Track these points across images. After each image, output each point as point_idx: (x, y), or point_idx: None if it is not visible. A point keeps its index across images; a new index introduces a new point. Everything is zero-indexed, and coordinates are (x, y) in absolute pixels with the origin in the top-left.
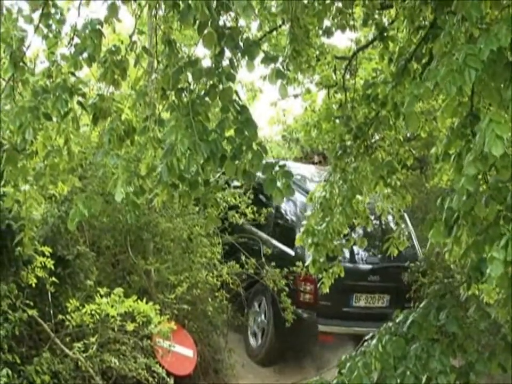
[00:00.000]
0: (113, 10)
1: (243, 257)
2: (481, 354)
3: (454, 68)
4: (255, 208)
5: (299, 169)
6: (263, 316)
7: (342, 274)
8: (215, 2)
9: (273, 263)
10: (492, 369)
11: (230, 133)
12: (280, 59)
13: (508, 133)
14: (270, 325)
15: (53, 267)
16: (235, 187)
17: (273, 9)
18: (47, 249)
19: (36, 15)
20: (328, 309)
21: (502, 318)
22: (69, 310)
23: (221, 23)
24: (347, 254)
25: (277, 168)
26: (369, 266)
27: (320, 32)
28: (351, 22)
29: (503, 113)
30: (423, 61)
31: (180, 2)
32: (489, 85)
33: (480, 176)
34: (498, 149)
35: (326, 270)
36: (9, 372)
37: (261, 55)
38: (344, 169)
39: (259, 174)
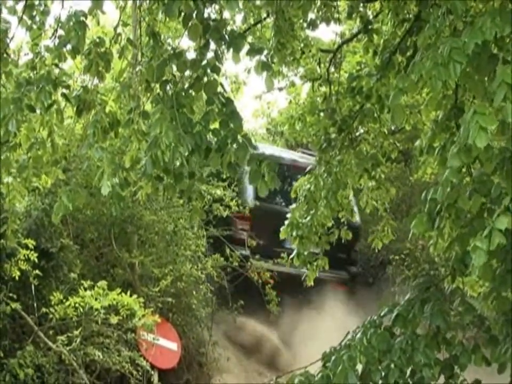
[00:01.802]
0: (97, 2)
1: (228, 250)
2: (465, 347)
3: (439, 62)
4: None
5: (283, 154)
6: None
7: (326, 267)
8: None
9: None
10: (476, 362)
11: (215, 125)
12: (265, 51)
13: (492, 124)
14: None
15: (36, 260)
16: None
17: (258, 2)
18: (30, 242)
19: (20, 6)
20: (261, 248)
21: (486, 311)
22: (53, 303)
23: (205, 15)
24: (282, 199)
25: (262, 161)
26: None
27: (305, 24)
28: (336, 15)
29: (487, 105)
30: (408, 53)
31: None
32: (474, 77)
33: (464, 169)
34: (482, 141)
35: (311, 263)
36: None
37: (246, 47)
38: (329, 162)
39: None
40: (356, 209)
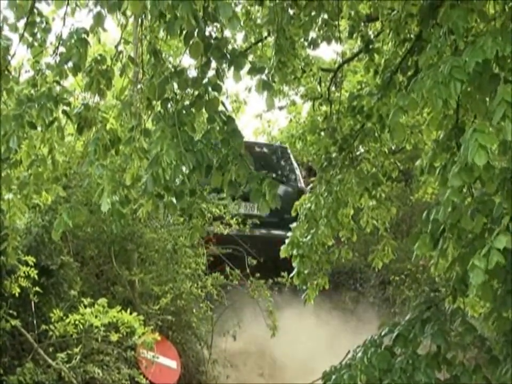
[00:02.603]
0: (99, 19)
1: (228, 268)
2: (466, 368)
3: (439, 80)
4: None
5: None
6: None
7: (326, 287)
8: (201, 12)
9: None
10: (477, 382)
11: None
12: (266, 70)
13: (492, 143)
14: None
15: (36, 277)
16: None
17: (259, 21)
18: (30, 259)
19: (21, 24)
20: None
21: (487, 331)
22: (53, 320)
23: (206, 33)
24: None
25: (263, 179)
26: None
27: (306, 43)
28: (337, 34)
29: (488, 124)
30: (409, 73)
31: (166, 13)
32: (475, 96)
33: (465, 189)
34: (481, 159)
35: (307, 282)
36: None
37: (247, 66)
38: (329, 181)
39: None
40: (300, 176)
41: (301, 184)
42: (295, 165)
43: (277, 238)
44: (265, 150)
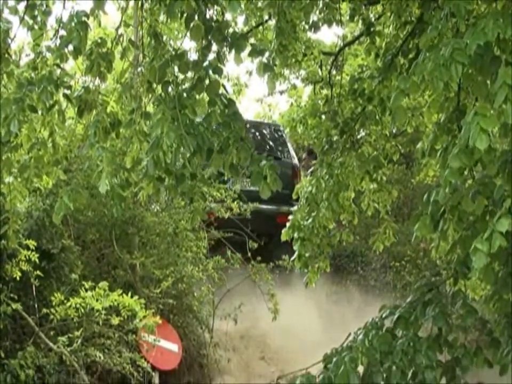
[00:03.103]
0: (99, 2)
1: (229, 252)
2: (467, 350)
3: (441, 63)
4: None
5: None
6: None
7: (328, 270)
8: None
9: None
10: (478, 364)
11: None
12: (267, 53)
13: (493, 126)
14: None
15: (37, 261)
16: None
17: (260, 4)
18: (31, 243)
19: (21, 6)
20: None
21: (488, 313)
22: (54, 303)
23: (207, 16)
24: None
25: (264, 162)
26: None
27: (307, 26)
28: (338, 17)
29: (489, 107)
30: (410, 56)
31: None
32: (476, 79)
33: (466, 172)
34: (483, 143)
35: (308, 265)
36: None
37: (248, 48)
38: (331, 164)
39: None
40: (292, 153)
41: (295, 160)
42: (288, 142)
43: (272, 212)
44: (258, 127)
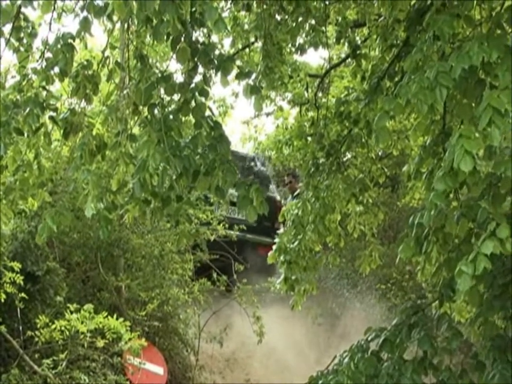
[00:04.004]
0: (85, 25)
1: (214, 274)
2: (452, 373)
3: (425, 85)
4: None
5: None
6: None
7: (314, 292)
8: (188, 17)
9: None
10: None
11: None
12: (254, 75)
13: (478, 149)
14: None
15: (22, 283)
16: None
17: (246, 26)
18: (16, 265)
19: (7, 28)
20: None
21: (473, 336)
22: (38, 326)
23: (193, 38)
24: None
25: (250, 185)
26: None
27: (293, 49)
28: (324, 40)
29: (474, 129)
30: (396, 79)
31: (153, 17)
32: (461, 102)
33: (452, 195)
34: (467, 165)
35: (294, 287)
36: None
37: (235, 71)
38: (317, 187)
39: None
40: (273, 187)
41: (274, 193)
42: (269, 174)
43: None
44: (239, 158)
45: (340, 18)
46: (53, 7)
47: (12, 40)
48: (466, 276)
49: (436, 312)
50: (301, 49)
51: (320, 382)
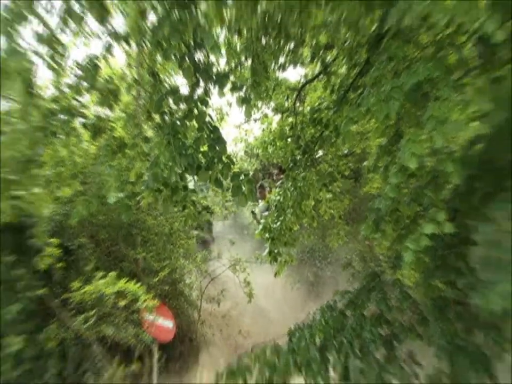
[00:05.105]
0: (109, 48)
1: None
2: (403, 327)
3: (382, 98)
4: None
5: None
6: None
7: (293, 263)
8: (191, 41)
9: None
10: (411, 338)
11: (204, 148)
12: (244, 88)
13: (422, 151)
14: None
15: (60, 255)
16: None
17: (238, 48)
18: (54, 241)
19: (45, 50)
20: None
21: (419, 297)
22: (72, 289)
23: (196, 59)
24: None
25: (242, 177)
26: None
27: (276, 67)
28: (301, 60)
29: (421, 133)
30: (359, 91)
31: (163, 42)
32: (411, 111)
33: (403, 184)
34: (413, 163)
35: (277, 259)
36: (25, 339)
37: (229, 85)
38: (295, 178)
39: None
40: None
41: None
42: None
43: None
44: None
45: (313, 42)
46: (82, 34)
47: (49, 60)
48: (410, 251)
49: (390, 278)
50: (282, 67)
51: (297, 333)
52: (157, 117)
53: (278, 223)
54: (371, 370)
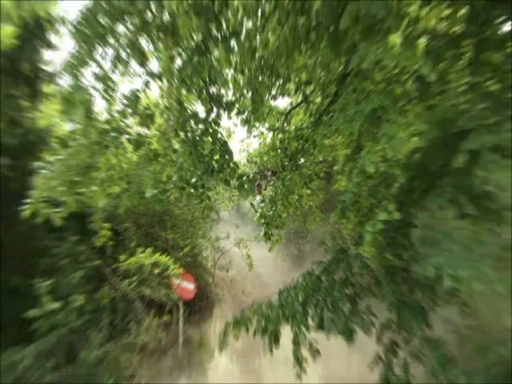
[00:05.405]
0: (146, 84)
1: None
2: (363, 288)
3: (347, 119)
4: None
5: None
6: None
7: (282, 241)
8: (207, 79)
9: None
10: (369, 296)
11: (217, 157)
12: (246, 113)
13: (377, 160)
14: None
15: (110, 235)
16: None
17: (241, 84)
18: (107, 225)
19: (99, 86)
20: None
21: (375, 266)
22: (120, 261)
23: (211, 91)
24: None
25: (244, 178)
26: None
27: (270, 97)
28: (288, 92)
29: (376, 145)
30: (330, 115)
31: (186, 79)
32: (369, 129)
33: (362, 183)
34: (371, 168)
35: (271, 238)
36: (85, 297)
37: (235, 110)
38: (283, 179)
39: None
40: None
41: None
42: None
43: None
44: None
45: (297, 79)
46: (127, 74)
47: (103, 93)
48: (369, 232)
49: (353, 252)
50: (274, 97)
51: (285, 293)
52: (182, 134)
53: (271, 212)
54: (340, 320)
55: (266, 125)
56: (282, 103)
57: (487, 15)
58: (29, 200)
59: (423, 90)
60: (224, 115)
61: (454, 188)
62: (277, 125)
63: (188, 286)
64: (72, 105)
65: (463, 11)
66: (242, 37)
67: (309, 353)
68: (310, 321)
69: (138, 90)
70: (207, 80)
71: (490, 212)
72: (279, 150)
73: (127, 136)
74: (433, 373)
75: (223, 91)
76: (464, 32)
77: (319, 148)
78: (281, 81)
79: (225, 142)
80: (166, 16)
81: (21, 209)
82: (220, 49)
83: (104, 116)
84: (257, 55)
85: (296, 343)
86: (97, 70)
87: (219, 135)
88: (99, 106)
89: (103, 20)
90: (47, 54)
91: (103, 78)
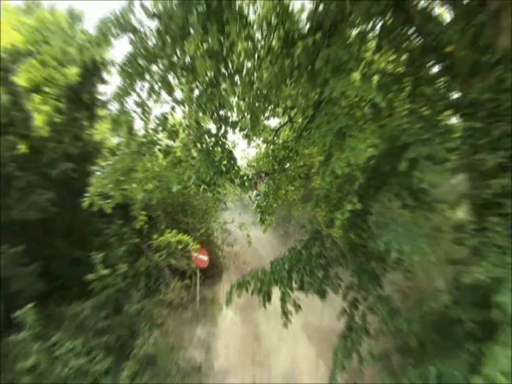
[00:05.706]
0: (173, 108)
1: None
2: (332, 259)
3: (321, 134)
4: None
5: None
6: None
7: (273, 224)
8: (217, 104)
9: None
10: (337, 266)
11: (224, 162)
12: (246, 129)
13: (343, 165)
14: None
15: (146, 220)
16: None
17: (243, 108)
18: (143, 213)
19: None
20: None
21: (342, 243)
22: (153, 239)
23: (220, 114)
24: None
25: (245, 178)
26: None
27: (264, 118)
28: (277, 114)
29: (343, 154)
30: (309, 131)
31: (202, 105)
32: (337, 141)
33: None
34: (339, 170)
35: (265, 222)
36: (128, 266)
37: (238, 127)
38: (274, 179)
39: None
40: None
41: None
42: None
43: None
44: None
45: (284, 105)
46: (158, 101)
47: (141, 115)
48: (338, 219)
49: (326, 233)
50: (267, 118)
51: (275, 263)
52: (198, 145)
53: (265, 203)
54: (315, 283)
55: (261, 138)
56: (273, 122)
57: (422, 60)
58: (87, 194)
59: (376, 114)
60: (230, 131)
61: (399, 186)
62: (269, 138)
63: (203, 258)
64: (119, 125)
65: (404, 57)
66: (244, 73)
67: (292, 307)
68: (293, 284)
69: (166, 113)
70: (218, 105)
71: (425, 203)
72: (270, 157)
73: (158, 147)
74: (384, 321)
75: (229, 114)
76: (405, 72)
77: (300, 156)
78: (272, 106)
79: (231, 151)
80: (187, 59)
81: (81, 201)
82: (227, 83)
83: (141, 132)
84: (254, 87)
85: (283, 300)
86: (137, 99)
87: (226, 146)
88: (138, 125)
89: (141, 62)
90: (101, 87)
91: (141, 104)
